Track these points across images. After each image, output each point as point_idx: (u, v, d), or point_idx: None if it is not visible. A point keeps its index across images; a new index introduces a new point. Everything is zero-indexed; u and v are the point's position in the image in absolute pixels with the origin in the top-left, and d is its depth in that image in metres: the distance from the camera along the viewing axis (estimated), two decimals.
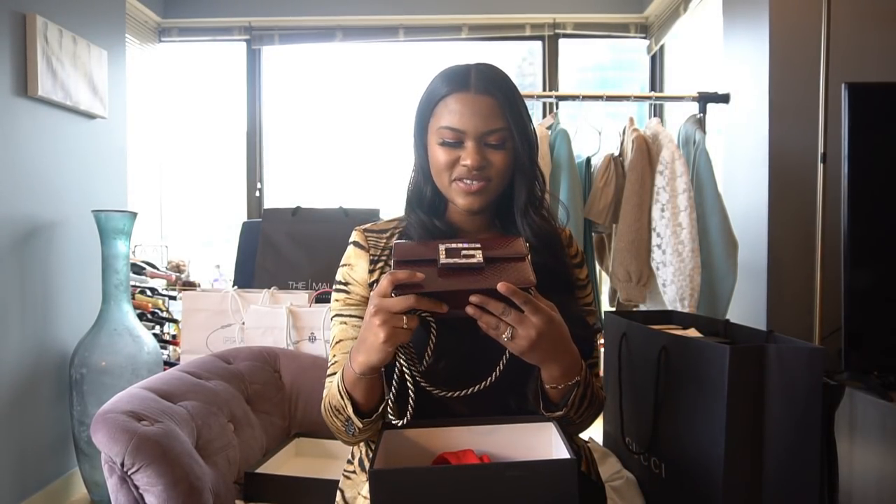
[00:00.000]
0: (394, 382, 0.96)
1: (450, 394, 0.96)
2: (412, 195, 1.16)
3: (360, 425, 1.00)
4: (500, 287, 0.86)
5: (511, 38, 3.89)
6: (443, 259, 0.91)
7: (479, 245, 0.94)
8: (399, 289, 0.88)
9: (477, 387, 0.96)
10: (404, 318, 0.88)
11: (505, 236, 1.00)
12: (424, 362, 0.96)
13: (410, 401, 0.94)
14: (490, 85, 1.07)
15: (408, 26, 3.77)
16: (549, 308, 0.92)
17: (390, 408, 0.97)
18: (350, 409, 0.99)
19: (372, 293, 0.90)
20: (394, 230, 1.17)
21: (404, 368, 0.95)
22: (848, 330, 1.51)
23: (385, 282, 0.88)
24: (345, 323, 1.13)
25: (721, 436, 1.19)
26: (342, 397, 1.00)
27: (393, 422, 0.96)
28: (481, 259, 0.91)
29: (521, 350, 0.91)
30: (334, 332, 1.14)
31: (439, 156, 1.07)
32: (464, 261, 0.91)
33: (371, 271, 1.13)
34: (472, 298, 0.88)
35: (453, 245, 0.93)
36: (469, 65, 1.09)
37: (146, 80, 3.70)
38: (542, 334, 0.89)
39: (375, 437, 1.03)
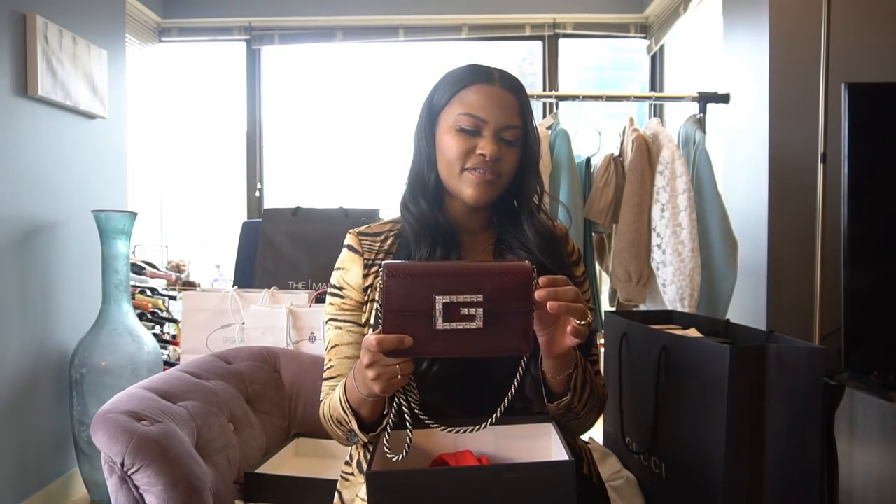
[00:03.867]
0: (391, 419, 0.95)
1: (455, 430, 0.94)
2: (414, 184, 1.14)
3: (365, 439, 1.00)
4: (551, 307, 0.85)
5: (511, 38, 3.89)
6: (439, 324, 0.84)
7: (481, 298, 0.85)
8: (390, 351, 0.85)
9: (484, 424, 0.93)
10: (398, 367, 0.87)
11: (513, 267, 0.88)
12: (416, 391, 0.96)
13: (408, 439, 0.93)
14: (513, 85, 1.10)
15: (408, 26, 3.77)
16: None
17: (387, 440, 0.95)
18: (354, 424, 0.99)
19: (364, 342, 0.88)
20: (388, 233, 1.16)
21: (403, 405, 0.94)
22: (848, 330, 1.51)
23: (375, 344, 0.85)
24: (340, 328, 1.12)
25: (721, 436, 1.19)
26: (346, 412, 0.99)
27: (392, 458, 0.93)
28: (480, 322, 0.85)
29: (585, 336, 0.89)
30: (329, 336, 1.13)
31: (452, 143, 1.07)
32: (462, 325, 0.85)
33: (365, 276, 1.12)
34: (543, 282, 0.86)
35: (451, 300, 0.84)
36: (490, 66, 1.11)
37: (146, 80, 3.70)
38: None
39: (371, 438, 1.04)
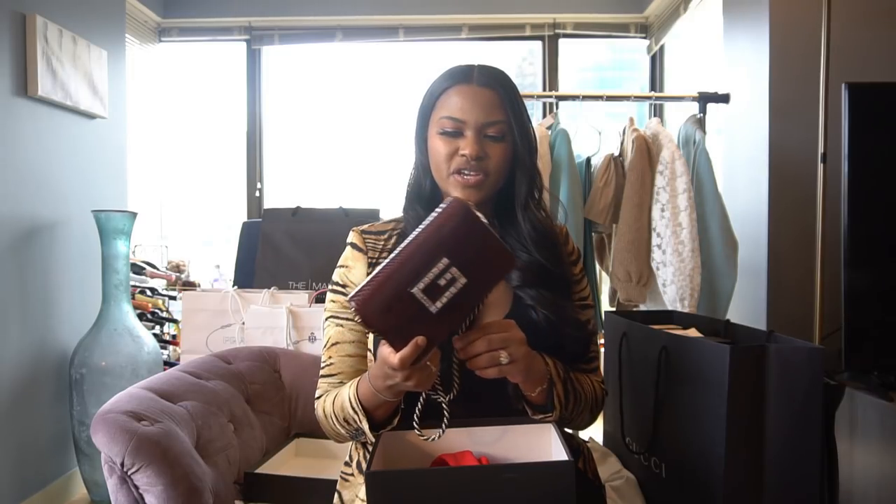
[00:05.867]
0: (418, 409, 0.95)
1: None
2: (411, 190, 1.16)
3: (373, 438, 1.00)
4: (470, 335, 0.90)
5: (511, 38, 3.89)
6: (433, 307, 0.84)
7: (446, 260, 0.84)
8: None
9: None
10: (427, 370, 0.88)
11: (446, 212, 0.87)
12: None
13: (444, 419, 0.94)
14: (492, 80, 1.08)
15: (408, 26, 3.77)
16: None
17: (416, 422, 0.95)
18: (366, 424, 0.99)
19: (386, 361, 0.87)
20: (391, 231, 1.16)
21: (440, 398, 0.95)
22: (848, 330, 1.51)
23: (399, 364, 0.85)
24: (341, 326, 1.12)
25: (721, 436, 1.19)
26: (357, 412, 0.99)
27: (424, 438, 0.94)
28: (463, 277, 0.84)
29: (524, 367, 0.93)
30: (329, 333, 1.13)
31: (439, 147, 1.07)
32: (453, 291, 0.84)
33: (369, 274, 1.12)
34: (461, 354, 0.90)
35: (426, 281, 0.83)
36: (472, 64, 1.11)
37: (146, 80, 3.70)
38: (524, 341, 0.93)
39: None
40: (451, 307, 0.84)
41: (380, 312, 0.83)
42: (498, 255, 0.87)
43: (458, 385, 0.94)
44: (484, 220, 0.87)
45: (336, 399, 1.05)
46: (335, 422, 1.05)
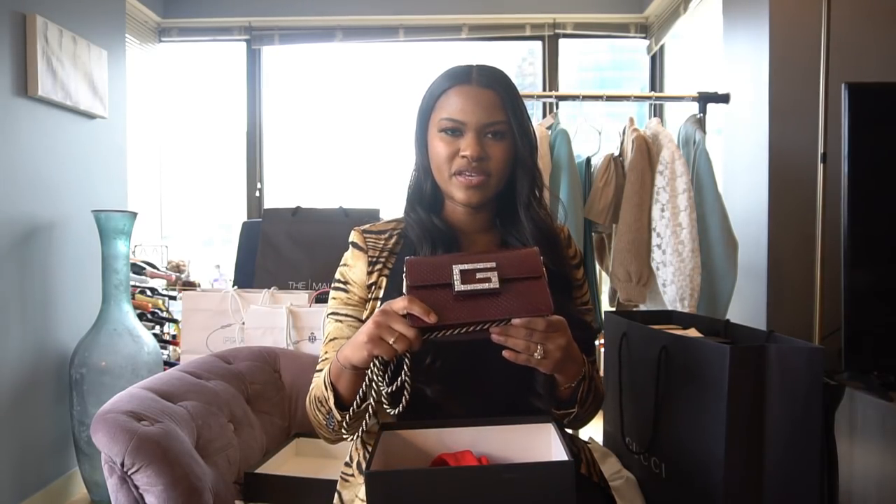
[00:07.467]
0: (390, 383, 0.94)
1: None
2: (412, 192, 1.17)
3: (339, 418, 0.99)
4: (515, 322, 0.88)
5: (511, 38, 3.89)
6: (458, 286, 0.90)
7: (493, 265, 0.91)
8: (412, 317, 0.88)
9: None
10: (396, 334, 0.88)
11: (519, 249, 0.97)
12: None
13: (405, 396, 0.92)
14: (491, 80, 1.09)
15: (408, 26, 3.77)
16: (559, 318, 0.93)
17: (385, 400, 0.93)
18: (332, 401, 0.99)
19: (386, 304, 0.91)
20: (392, 231, 1.17)
21: (404, 371, 0.93)
22: (848, 330, 1.51)
23: (401, 305, 0.88)
24: (340, 322, 1.13)
25: (721, 436, 1.19)
26: (326, 388, 1.00)
27: (388, 411, 0.92)
28: (497, 283, 0.90)
29: (554, 366, 0.92)
30: (328, 329, 1.14)
31: (439, 148, 1.08)
32: (479, 286, 0.90)
33: (369, 273, 1.13)
34: (494, 337, 0.90)
35: (467, 266, 0.91)
36: (471, 64, 1.11)
37: (146, 80, 3.70)
38: (566, 346, 0.92)
39: (370, 438, 1.04)
40: (469, 298, 0.90)
41: (419, 268, 0.93)
42: (537, 296, 0.90)
43: (407, 400, 0.92)
44: (545, 268, 0.93)
45: (317, 381, 1.06)
46: (315, 408, 1.05)
